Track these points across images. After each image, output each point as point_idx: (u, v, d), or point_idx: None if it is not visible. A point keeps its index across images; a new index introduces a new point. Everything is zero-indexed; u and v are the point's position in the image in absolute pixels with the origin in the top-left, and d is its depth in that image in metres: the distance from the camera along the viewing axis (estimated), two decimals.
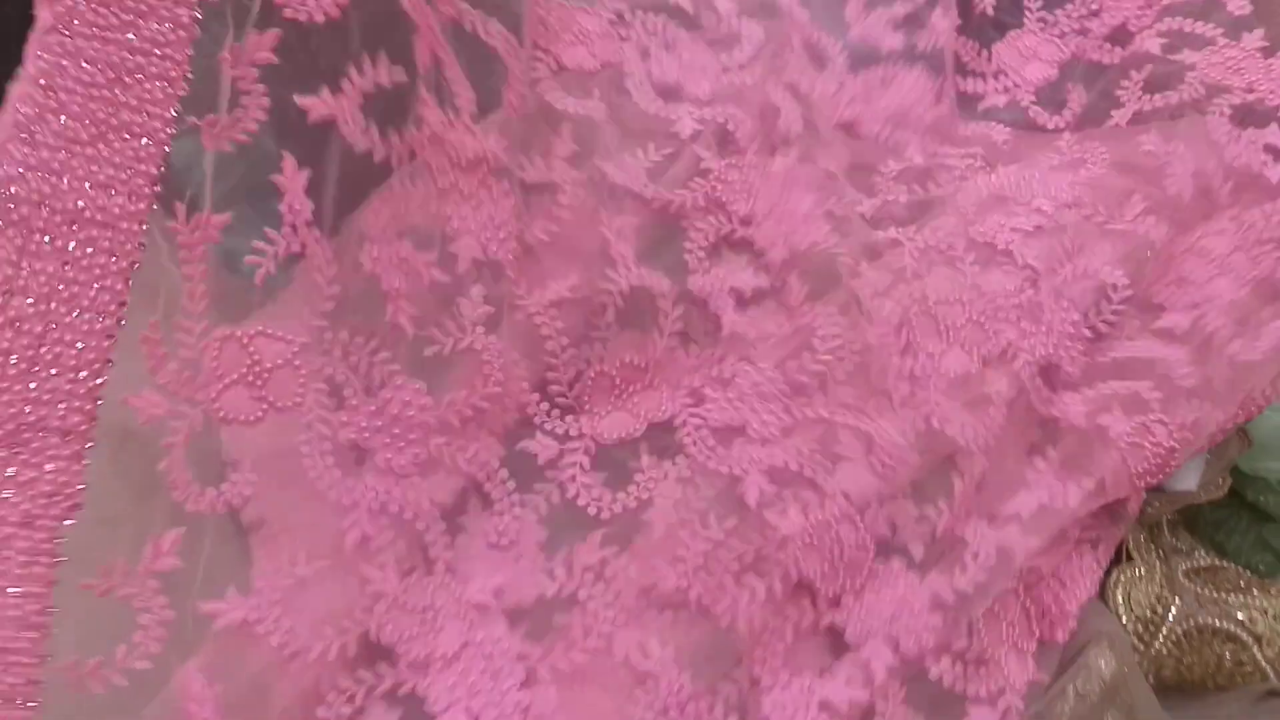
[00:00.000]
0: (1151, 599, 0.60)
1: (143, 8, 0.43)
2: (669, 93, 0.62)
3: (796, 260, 0.60)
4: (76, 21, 0.42)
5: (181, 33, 0.44)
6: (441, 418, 0.51)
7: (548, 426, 0.56)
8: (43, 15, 0.42)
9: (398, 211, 0.51)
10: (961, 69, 0.74)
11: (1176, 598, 0.60)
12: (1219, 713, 0.59)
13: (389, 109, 0.48)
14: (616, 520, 0.54)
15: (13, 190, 0.41)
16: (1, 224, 0.40)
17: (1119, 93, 0.69)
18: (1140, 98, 0.68)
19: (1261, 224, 0.62)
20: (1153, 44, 0.70)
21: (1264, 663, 0.59)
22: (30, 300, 0.40)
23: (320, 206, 0.47)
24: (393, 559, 0.49)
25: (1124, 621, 0.59)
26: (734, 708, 0.50)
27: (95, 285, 0.42)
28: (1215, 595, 0.61)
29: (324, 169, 0.47)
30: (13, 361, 0.40)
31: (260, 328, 0.47)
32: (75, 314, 0.41)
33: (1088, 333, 0.60)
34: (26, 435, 0.40)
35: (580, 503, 0.54)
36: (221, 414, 0.46)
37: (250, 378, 0.47)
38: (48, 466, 0.40)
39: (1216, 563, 0.64)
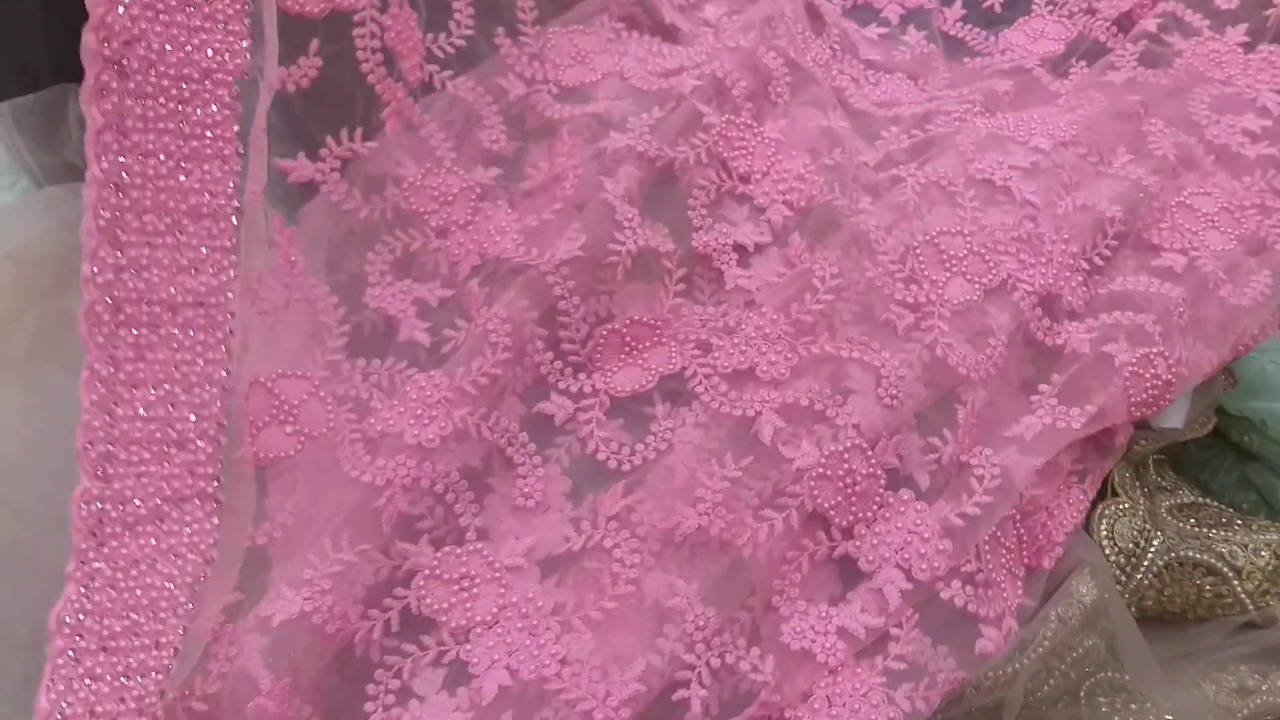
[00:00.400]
0: (1135, 532, 0.61)
1: (185, 94, 0.46)
2: (670, 73, 0.65)
3: (796, 218, 0.62)
4: (127, 120, 0.45)
5: (227, 111, 0.48)
6: (459, 389, 0.53)
7: (561, 385, 0.57)
8: (92, 114, 0.45)
9: (395, 259, 0.55)
10: (969, 52, 0.77)
11: (1159, 532, 0.61)
12: (1198, 643, 0.60)
13: (368, 174, 0.55)
14: (637, 470, 0.55)
15: (115, 293, 0.44)
16: (114, 325, 0.44)
17: (1115, 60, 0.73)
18: (1135, 68, 0.71)
19: (1242, 192, 0.66)
20: (1150, 24, 0.73)
21: (1243, 595, 0.61)
22: (153, 390, 0.44)
23: (313, 258, 0.52)
24: (427, 532, 0.51)
25: (1107, 554, 0.60)
26: (750, 634, 0.51)
27: (200, 361, 0.46)
28: (1197, 530, 0.62)
29: (309, 224, 0.52)
30: (148, 449, 0.44)
31: (280, 370, 0.50)
32: (189, 391, 0.46)
33: (1086, 265, 0.62)
34: (166, 509, 0.44)
35: (600, 457, 0.55)
36: (260, 455, 0.49)
37: (281, 417, 0.50)
38: (187, 531, 0.44)
39: (1199, 500, 0.66)
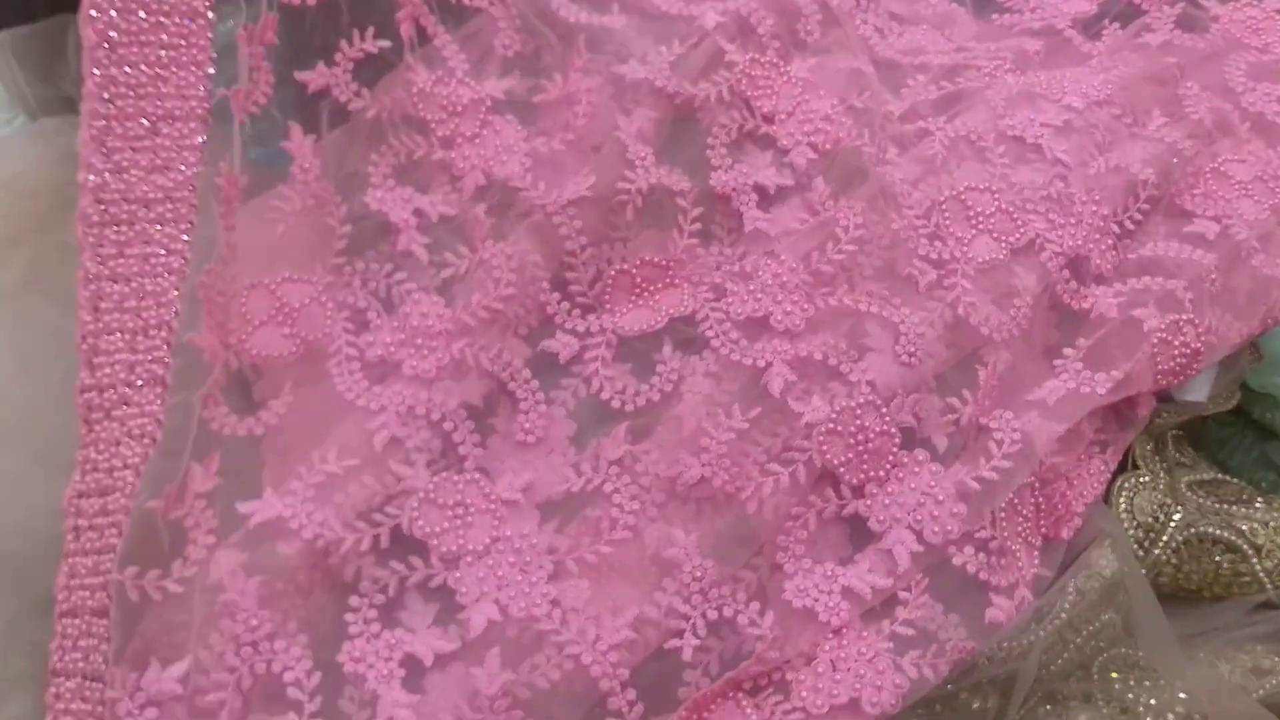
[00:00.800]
0: (1154, 506, 0.60)
1: (165, 7, 0.50)
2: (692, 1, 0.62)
3: (821, 160, 0.59)
4: (114, 33, 0.49)
5: (201, 21, 0.51)
6: (459, 321, 0.52)
7: (568, 325, 0.55)
8: (87, 34, 0.49)
9: (398, 164, 0.55)
10: (998, 8, 0.75)
11: (1179, 506, 0.60)
12: (1214, 621, 0.59)
13: (378, 74, 0.55)
14: (641, 413, 0.53)
15: (102, 195, 0.48)
16: (101, 225, 0.48)
17: (1150, 22, 0.70)
18: (1171, 31, 0.69)
19: (1277, 161, 0.64)
20: None
21: (1261, 574, 0.59)
22: (129, 284, 0.48)
23: (324, 162, 0.53)
24: (423, 458, 0.50)
25: (1125, 527, 0.59)
26: (755, 593, 0.50)
27: (164, 251, 0.48)
28: (1217, 506, 0.61)
29: (323, 130, 0.54)
30: (122, 335, 0.47)
31: (286, 274, 0.51)
32: (157, 280, 0.48)
33: (1116, 228, 0.60)
34: (130, 393, 0.46)
35: (604, 396, 0.54)
36: (254, 352, 0.50)
37: (279, 318, 0.50)
38: (146, 415, 0.46)
39: (1219, 476, 0.64)
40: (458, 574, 0.48)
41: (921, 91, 0.65)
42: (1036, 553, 0.53)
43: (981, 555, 0.51)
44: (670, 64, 0.59)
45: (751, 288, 0.55)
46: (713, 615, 0.48)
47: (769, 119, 0.60)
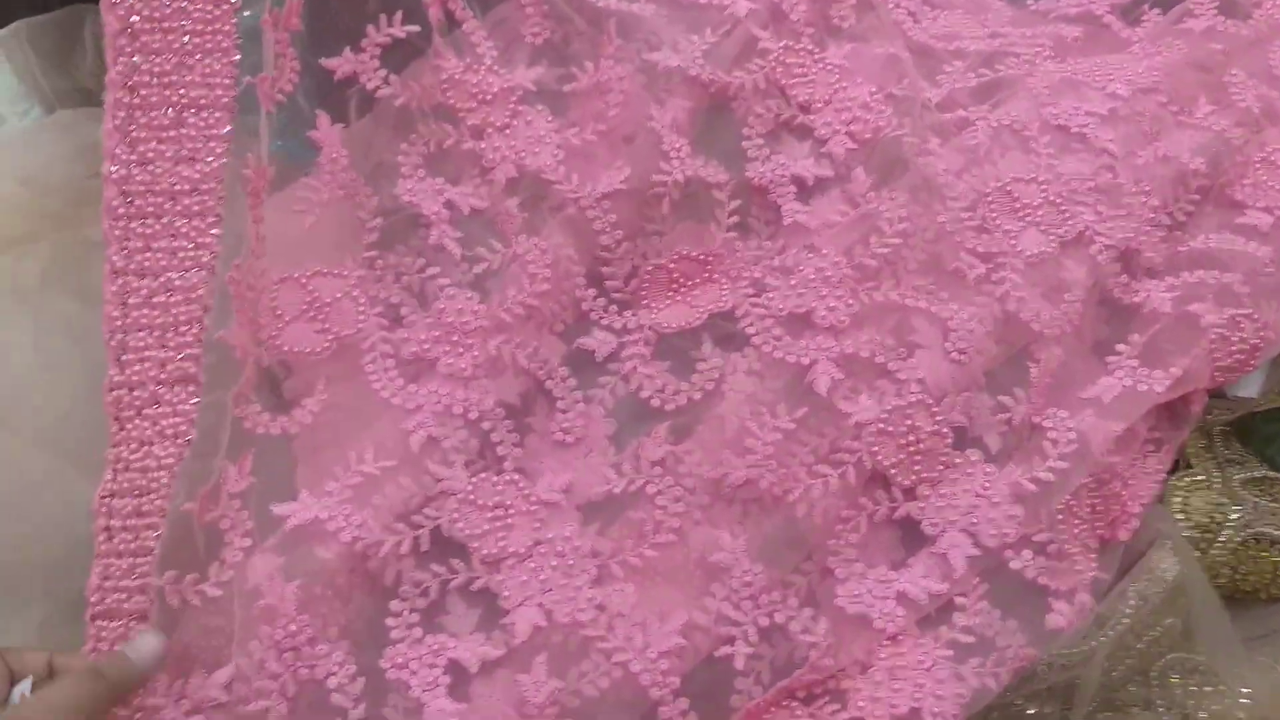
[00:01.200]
0: (1210, 506, 0.58)
1: None
2: None
3: (861, 150, 0.57)
4: (136, 19, 0.48)
5: (225, 6, 0.50)
6: (495, 318, 0.51)
7: (605, 322, 0.54)
8: (109, 21, 0.48)
9: (428, 154, 0.54)
10: None
11: (1235, 506, 0.58)
12: (1270, 623, 0.57)
13: (405, 60, 0.54)
14: (682, 412, 0.52)
15: (127, 188, 0.47)
16: (127, 219, 0.47)
17: (1192, 8, 0.68)
18: (1214, 17, 0.67)
19: None
20: None
21: None
22: (156, 279, 0.47)
23: (353, 152, 0.52)
24: (461, 458, 0.49)
25: (1181, 528, 0.57)
26: (806, 599, 0.48)
27: (192, 244, 0.48)
28: (1273, 505, 0.59)
29: (350, 118, 0.53)
30: (151, 332, 0.46)
31: (318, 268, 0.50)
32: (186, 275, 0.47)
33: (1167, 219, 0.58)
34: (162, 391, 0.46)
35: (643, 395, 0.52)
36: (285, 348, 0.49)
37: (311, 313, 0.49)
38: (178, 415, 0.46)
39: (1269, 474, 0.63)
40: (500, 577, 0.47)
41: (959, 79, 0.63)
42: (1094, 556, 0.51)
43: (1040, 559, 0.49)
44: (703, 52, 0.57)
45: (793, 282, 0.54)
46: (764, 622, 0.47)
47: (805, 108, 0.58)
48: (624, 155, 0.55)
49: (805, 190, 0.57)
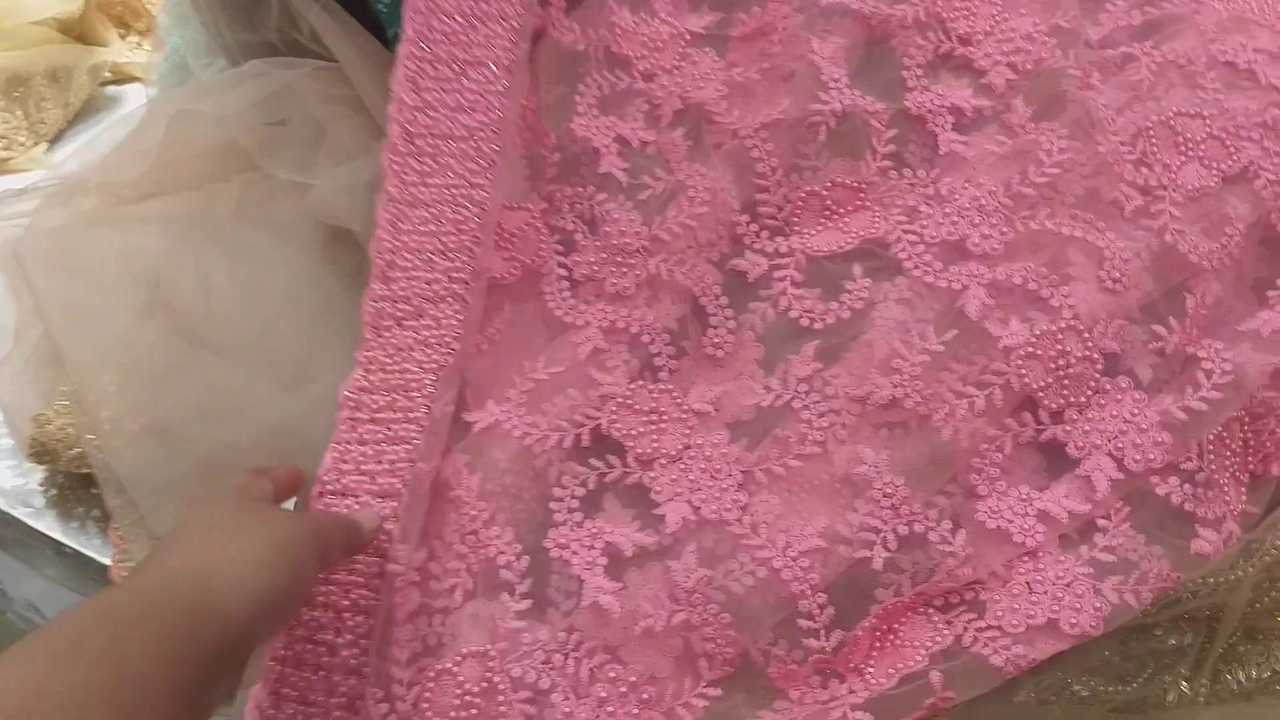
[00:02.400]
0: None
1: None
2: None
3: (1021, 82, 0.57)
4: None
5: None
6: (655, 238, 0.54)
7: (757, 246, 0.55)
8: None
9: (602, 96, 0.56)
10: None
11: None
12: None
13: (587, 14, 0.58)
14: (831, 331, 0.53)
15: (409, 129, 0.52)
16: (405, 155, 0.52)
17: None
18: None
19: None
20: None
21: None
22: (429, 209, 0.52)
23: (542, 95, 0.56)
24: (622, 366, 0.52)
25: None
26: (948, 515, 0.49)
27: (465, 185, 0.52)
28: None
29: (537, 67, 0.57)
30: (419, 255, 0.51)
31: (506, 202, 0.54)
32: (456, 209, 0.52)
33: None
34: (427, 306, 0.50)
35: (792, 314, 0.54)
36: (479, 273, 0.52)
37: (501, 243, 0.53)
38: (439, 326, 0.50)
39: None
40: (652, 474, 0.50)
41: (1122, 17, 0.62)
42: (1244, 488, 0.51)
43: (1187, 486, 0.49)
44: None
45: (947, 210, 0.54)
46: (904, 530, 0.48)
47: (965, 40, 0.58)
48: (783, 90, 0.56)
49: (963, 121, 0.57)
